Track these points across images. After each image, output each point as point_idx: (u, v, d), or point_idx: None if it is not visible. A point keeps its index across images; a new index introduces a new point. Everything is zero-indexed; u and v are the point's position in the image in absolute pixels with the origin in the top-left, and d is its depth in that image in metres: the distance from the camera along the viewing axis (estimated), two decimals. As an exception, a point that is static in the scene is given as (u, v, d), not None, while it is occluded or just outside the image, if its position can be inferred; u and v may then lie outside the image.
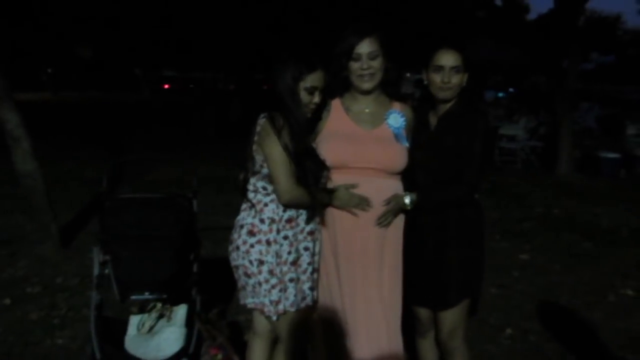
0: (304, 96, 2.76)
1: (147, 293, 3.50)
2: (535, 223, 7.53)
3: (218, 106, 16.45)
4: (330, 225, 2.93)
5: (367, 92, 2.94)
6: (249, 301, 2.89)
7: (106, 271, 3.50)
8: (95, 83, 40.50)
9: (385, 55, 2.89)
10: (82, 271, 5.46)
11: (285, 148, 2.68)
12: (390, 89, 3.00)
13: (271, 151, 2.70)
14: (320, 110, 2.93)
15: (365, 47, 2.85)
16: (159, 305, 3.64)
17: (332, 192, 2.86)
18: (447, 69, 2.83)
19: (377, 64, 2.87)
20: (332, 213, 2.92)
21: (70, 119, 19.77)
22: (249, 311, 4.56)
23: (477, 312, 3.09)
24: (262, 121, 2.78)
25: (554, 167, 11.20)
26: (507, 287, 5.16)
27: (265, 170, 2.77)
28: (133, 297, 3.51)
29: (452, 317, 2.92)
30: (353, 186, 2.85)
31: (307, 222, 2.83)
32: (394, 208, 2.87)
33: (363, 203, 2.84)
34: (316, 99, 2.80)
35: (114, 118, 20.66)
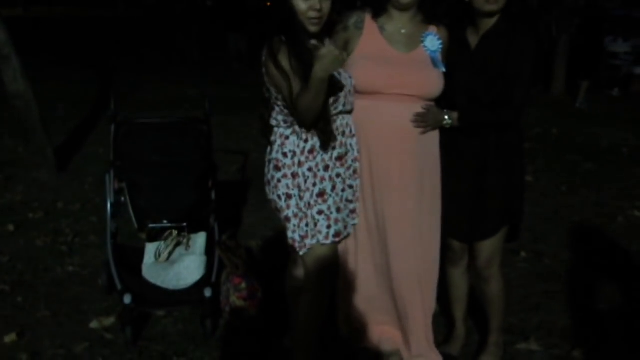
0: (298, 4, 2.49)
1: (165, 221, 3.39)
2: (535, 144, 7.45)
3: (200, 26, 15.75)
4: (365, 154, 2.76)
5: (405, 8, 2.69)
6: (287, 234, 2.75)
7: (122, 199, 3.37)
8: (67, -2, 38.93)
9: None
10: (82, 196, 5.34)
11: (283, 70, 2.47)
12: (430, 9, 2.73)
13: (276, 79, 2.51)
14: (332, 27, 2.70)
15: None
16: (175, 232, 3.54)
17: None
18: None
19: None
20: (366, 141, 2.73)
21: (45, 37, 19.05)
22: (260, 237, 4.56)
23: (518, 239, 3.00)
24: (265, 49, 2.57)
25: (549, 86, 11.10)
26: (517, 209, 5.12)
27: (281, 103, 2.59)
28: (151, 225, 3.40)
29: (490, 246, 2.83)
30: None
31: (323, 148, 2.63)
32: (432, 120, 2.70)
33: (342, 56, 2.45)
34: (315, 5, 2.48)
35: (91, 35, 19.98)
